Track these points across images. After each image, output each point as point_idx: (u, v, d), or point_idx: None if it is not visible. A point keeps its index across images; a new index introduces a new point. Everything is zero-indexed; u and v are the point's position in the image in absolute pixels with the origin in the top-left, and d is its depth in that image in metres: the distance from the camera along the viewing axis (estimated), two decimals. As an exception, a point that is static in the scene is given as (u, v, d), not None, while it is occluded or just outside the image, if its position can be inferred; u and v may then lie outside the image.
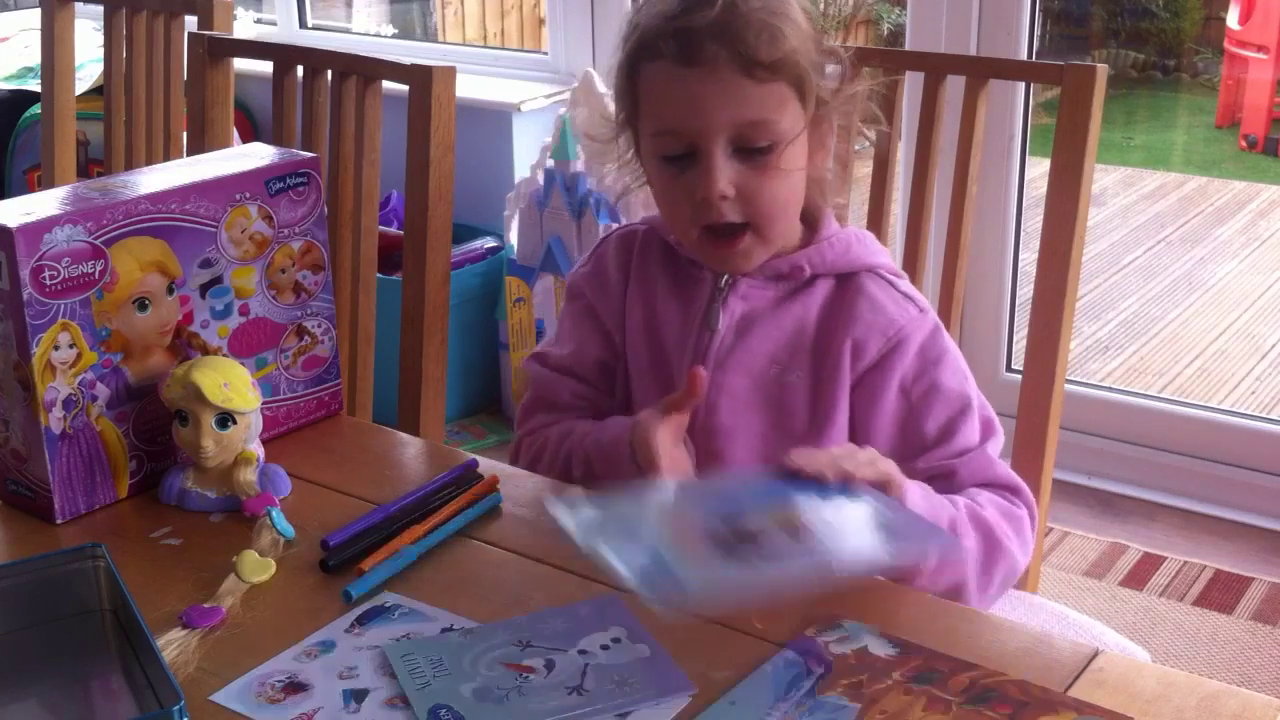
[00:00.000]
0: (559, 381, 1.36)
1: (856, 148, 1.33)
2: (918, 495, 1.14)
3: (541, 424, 1.35)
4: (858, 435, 1.27)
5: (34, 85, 3.47)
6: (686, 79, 1.19)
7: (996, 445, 1.26)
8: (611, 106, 1.32)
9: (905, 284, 1.31)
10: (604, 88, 2.85)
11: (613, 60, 1.27)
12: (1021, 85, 2.62)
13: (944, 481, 1.22)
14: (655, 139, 1.24)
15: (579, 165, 2.87)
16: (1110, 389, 3.01)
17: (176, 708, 0.88)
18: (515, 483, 1.26)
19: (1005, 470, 1.25)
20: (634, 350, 1.34)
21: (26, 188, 3.45)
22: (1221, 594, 2.38)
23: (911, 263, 1.57)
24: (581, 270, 1.39)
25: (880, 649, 0.99)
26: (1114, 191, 4.78)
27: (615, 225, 2.69)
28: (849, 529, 1.03)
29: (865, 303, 1.27)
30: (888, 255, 1.33)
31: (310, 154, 1.35)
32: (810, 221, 1.31)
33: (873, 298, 1.27)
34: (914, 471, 1.21)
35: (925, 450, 1.24)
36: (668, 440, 1.17)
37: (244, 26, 3.74)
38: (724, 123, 1.19)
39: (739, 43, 1.17)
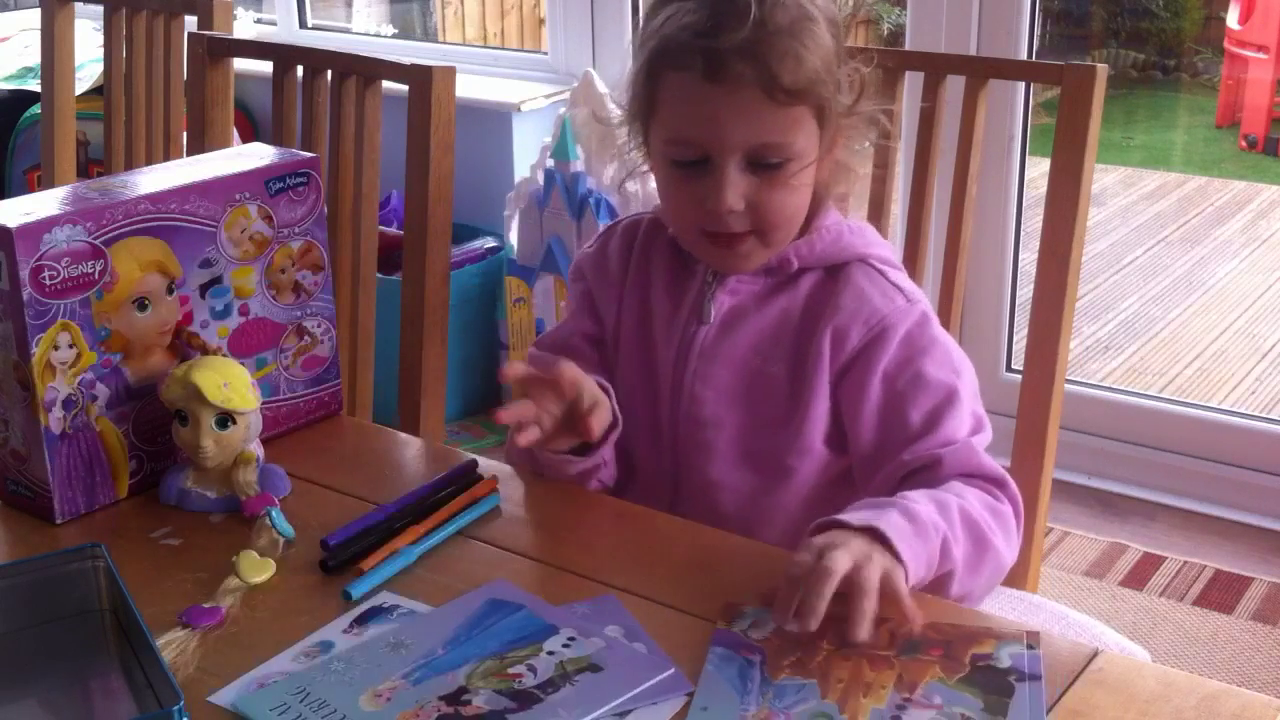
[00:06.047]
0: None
1: (856, 148, 1.33)
2: (908, 541, 1.07)
3: None
4: (843, 426, 1.26)
5: (34, 85, 3.47)
6: (709, 95, 1.20)
7: (983, 440, 1.25)
8: (611, 106, 1.32)
9: (896, 274, 1.30)
10: (604, 87, 2.84)
11: (630, 62, 1.27)
12: (1021, 85, 2.62)
13: (928, 472, 1.21)
14: (669, 145, 1.24)
15: (579, 165, 2.86)
16: (1110, 389, 3.01)
17: (176, 708, 0.88)
18: (515, 483, 1.26)
19: (990, 463, 1.23)
20: (626, 339, 1.35)
21: (26, 188, 3.45)
22: (1221, 594, 2.38)
23: (911, 262, 1.57)
24: (587, 251, 1.41)
25: (793, 625, 0.99)
26: (1114, 191, 4.78)
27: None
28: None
29: (850, 292, 1.27)
30: (886, 247, 1.33)
31: (310, 154, 1.35)
32: (809, 216, 1.31)
33: (858, 287, 1.27)
34: (900, 464, 1.21)
35: (910, 441, 1.23)
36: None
37: (244, 26, 3.73)
38: (740, 141, 1.20)
39: (765, 66, 1.18)
